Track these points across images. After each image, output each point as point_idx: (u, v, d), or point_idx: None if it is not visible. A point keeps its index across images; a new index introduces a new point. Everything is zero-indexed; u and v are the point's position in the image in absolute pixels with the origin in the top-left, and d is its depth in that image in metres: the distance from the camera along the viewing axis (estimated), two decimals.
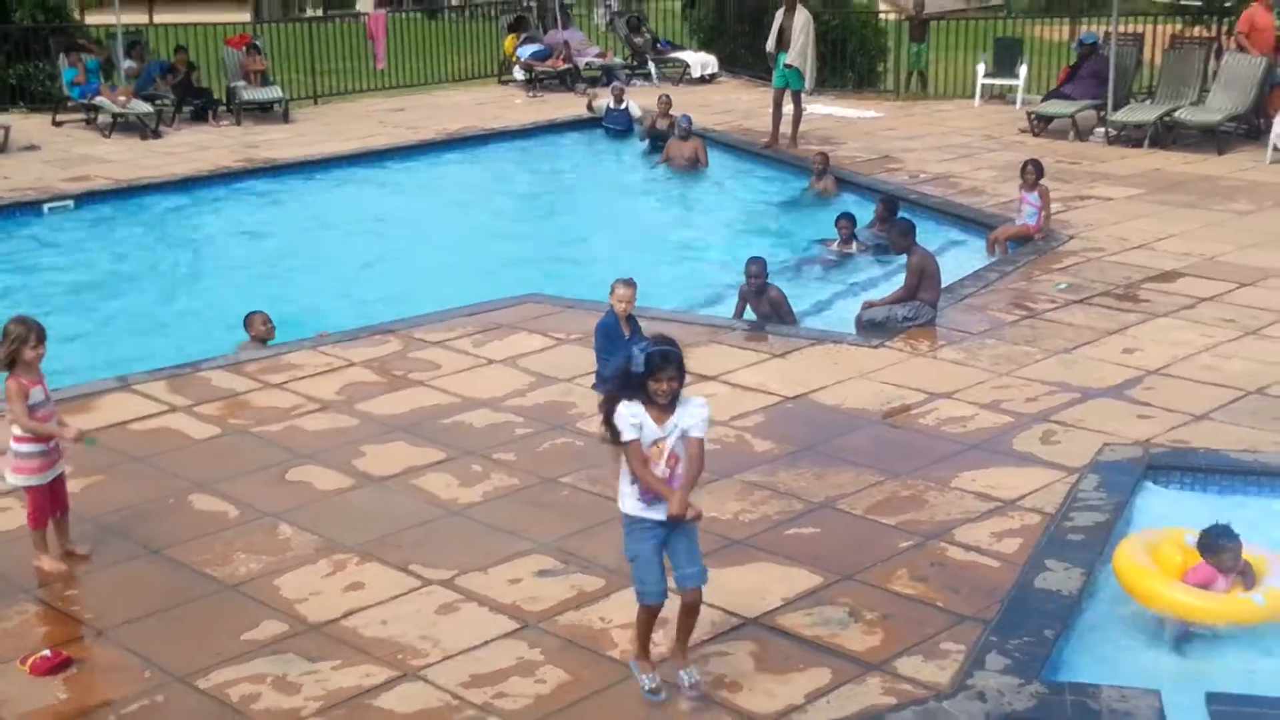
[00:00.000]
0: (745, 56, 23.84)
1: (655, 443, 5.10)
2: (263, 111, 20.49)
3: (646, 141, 18.67)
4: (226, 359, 9.51)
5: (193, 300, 12.54)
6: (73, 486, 6.85)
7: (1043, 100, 18.69)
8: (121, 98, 18.81)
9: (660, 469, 5.12)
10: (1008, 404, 8.39)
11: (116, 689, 5.48)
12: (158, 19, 24.63)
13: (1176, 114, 16.92)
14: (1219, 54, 18.14)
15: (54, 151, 17.68)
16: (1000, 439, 7.86)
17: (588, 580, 6.28)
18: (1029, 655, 5.49)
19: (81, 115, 19.42)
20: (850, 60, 23.64)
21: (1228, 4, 22.45)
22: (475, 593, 6.19)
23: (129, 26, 20.54)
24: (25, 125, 18.78)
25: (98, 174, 16.41)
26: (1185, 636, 5.73)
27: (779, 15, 17.14)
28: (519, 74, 23.35)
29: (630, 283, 8.44)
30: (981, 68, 20.86)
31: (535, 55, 23.23)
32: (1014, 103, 20.09)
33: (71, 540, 6.62)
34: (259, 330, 9.97)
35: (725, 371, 9.04)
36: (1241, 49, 17.23)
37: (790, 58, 16.85)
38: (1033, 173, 12.46)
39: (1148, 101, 17.96)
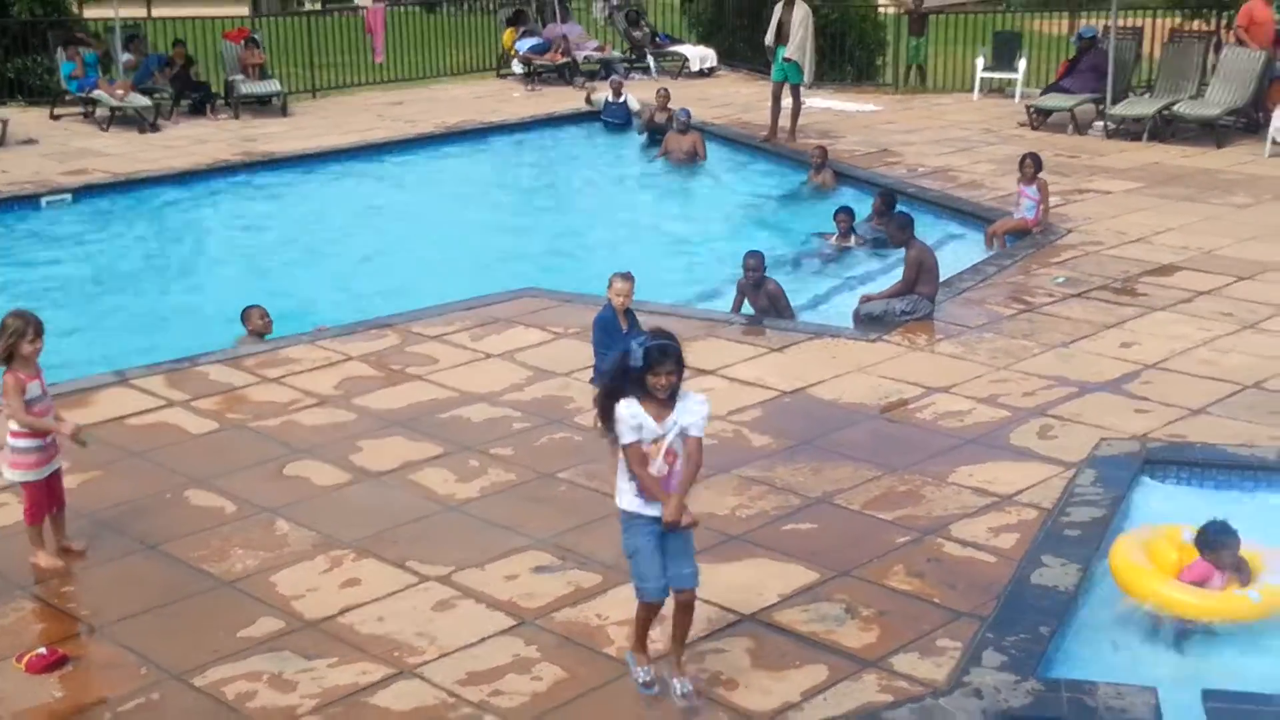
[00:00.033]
0: (744, 50, 23.84)
1: (654, 440, 5.08)
2: (261, 105, 20.48)
3: (645, 135, 18.66)
4: (224, 353, 9.50)
5: (190, 294, 12.52)
6: (70, 482, 6.84)
7: (1041, 94, 18.69)
8: (119, 91, 18.80)
9: (658, 464, 5.10)
10: (1005, 398, 8.39)
11: (112, 686, 5.47)
12: (156, 12, 24.54)
13: (1175, 108, 16.93)
14: (1218, 48, 18.14)
15: (52, 145, 17.67)
16: (997, 434, 7.85)
17: (585, 576, 6.27)
18: (1025, 652, 5.48)
19: (79, 109, 19.42)
20: (849, 54, 23.62)
21: None
22: (472, 589, 6.18)
23: (127, 20, 20.51)
24: (23, 119, 18.76)
25: (96, 168, 16.40)
26: (1182, 634, 5.72)
27: (778, 9, 17.13)
28: (517, 68, 23.34)
29: (628, 276, 8.43)
30: (980, 61, 20.85)
31: (534, 49, 23.23)
32: (1013, 96, 20.09)
33: (68, 536, 6.60)
34: (256, 324, 9.96)
35: (723, 366, 9.03)
36: (1240, 42, 17.22)
37: (789, 51, 16.84)
38: (1031, 166, 12.45)
39: (1147, 95, 17.96)
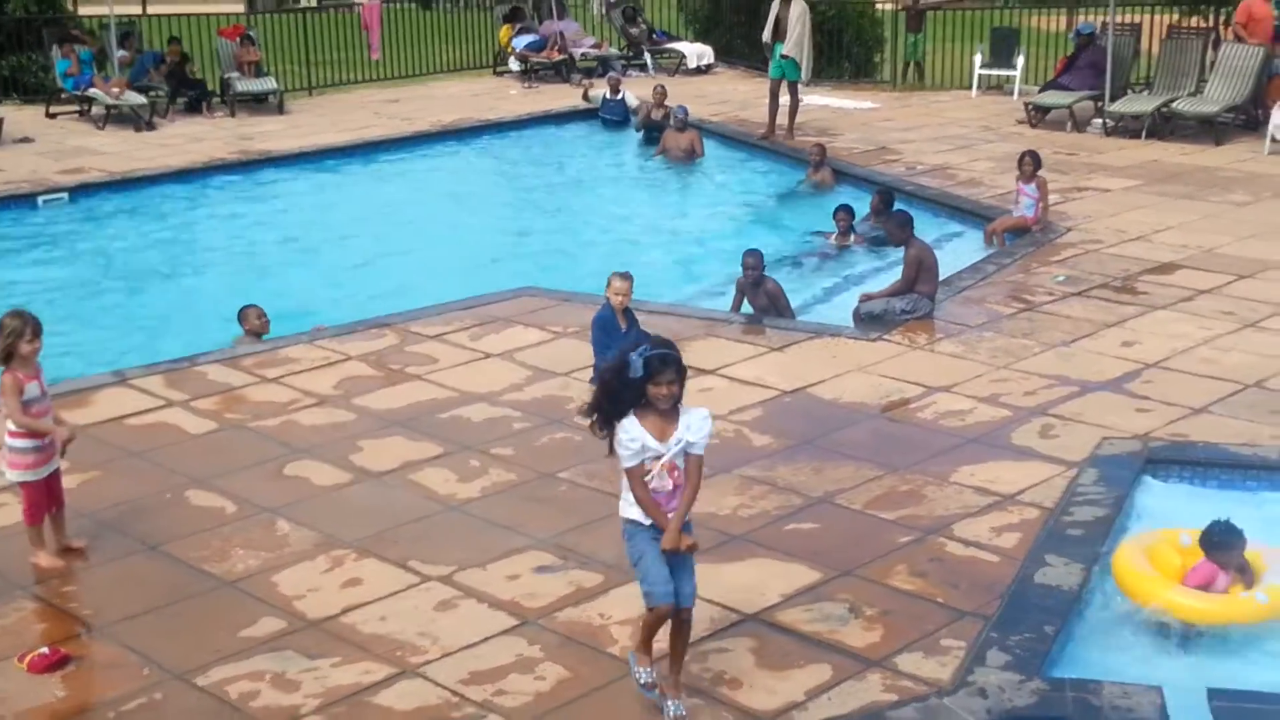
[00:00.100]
0: (741, 47, 23.83)
1: (657, 458, 4.96)
2: (257, 103, 20.45)
3: (641, 133, 18.64)
4: (223, 353, 9.48)
5: (187, 293, 12.49)
6: (69, 482, 6.82)
7: (1040, 91, 18.69)
8: (115, 89, 18.76)
9: (662, 479, 4.99)
10: (1006, 397, 8.37)
11: (115, 686, 5.46)
12: (151, 10, 24.54)
13: (1174, 105, 16.91)
14: (1217, 44, 18.14)
15: (48, 143, 17.64)
16: (999, 433, 7.84)
17: (586, 576, 6.25)
18: (1030, 651, 5.47)
19: (75, 107, 19.37)
20: (847, 51, 23.61)
21: None
22: (474, 589, 6.17)
23: (122, 17, 20.49)
24: (19, 117, 18.73)
25: (92, 166, 16.37)
26: (1187, 633, 5.71)
27: (775, 5, 17.11)
28: (514, 65, 23.33)
29: (626, 275, 8.44)
30: (979, 58, 20.84)
31: (530, 46, 23.21)
32: (1011, 93, 20.08)
33: (68, 535, 6.59)
34: (253, 324, 9.93)
35: (722, 365, 9.02)
36: (1239, 39, 17.22)
37: (787, 48, 16.83)
38: (1030, 164, 12.43)
39: (1145, 92, 17.96)
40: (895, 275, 10.38)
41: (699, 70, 23.58)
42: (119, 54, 19.57)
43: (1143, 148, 16.36)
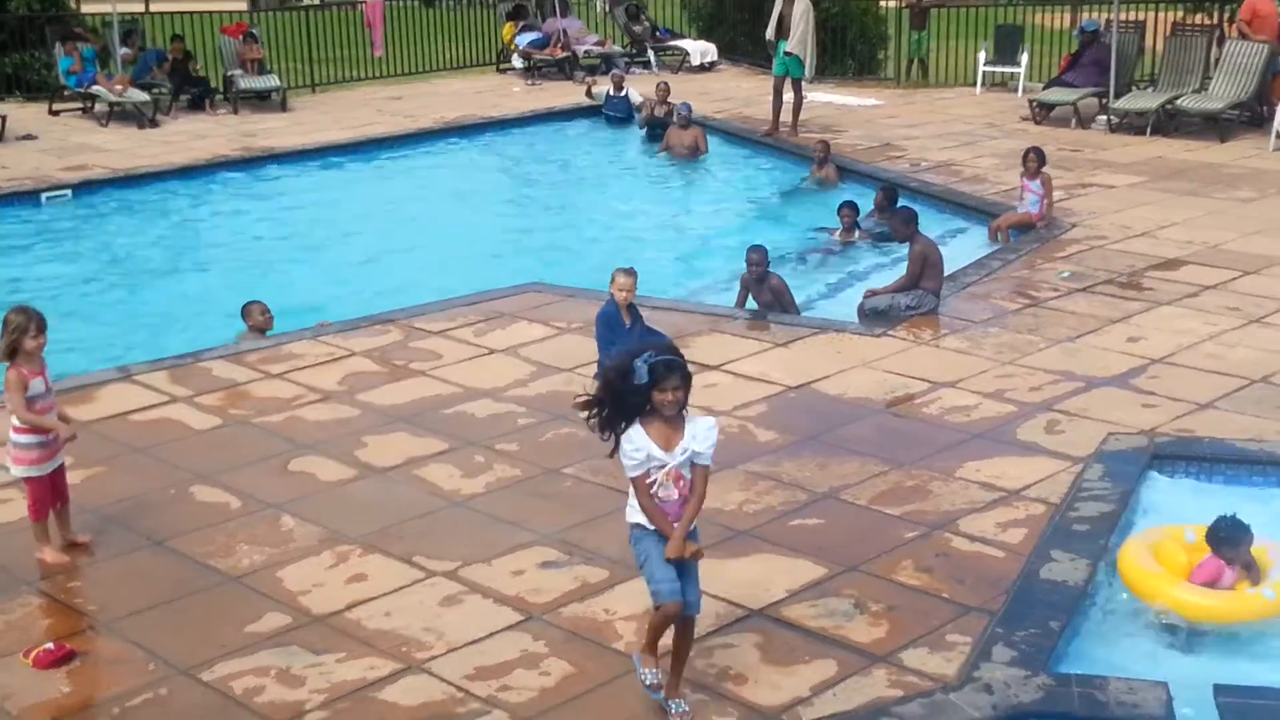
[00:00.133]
0: (745, 44, 23.80)
1: (662, 467, 4.92)
2: (260, 100, 20.44)
3: (645, 130, 18.62)
4: (227, 349, 9.48)
5: (191, 289, 12.48)
6: (73, 478, 6.83)
7: (1044, 88, 18.67)
8: (118, 86, 18.76)
9: (667, 488, 4.96)
10: (1011, 393, 8.36)
11: (120, 682, 5.45)
12: (154, 7, 24.59)
13: (1179, 101, 16.89)
14: (1221, 41, 18.12)
15: (51, 141, 17.63)
16: (1004, 428, 7.83)
17: (591, 572, 6.25)
18: (1035, 647, 5.46)
19: (78, 104, 19.37)
20: (850, 48, 23.59)
21: None
22: (479, 584, 6.16)
23: (125, 15, 20.47)
24: (22, 114, 18.73)
25: (95, 163, 16.36)
26: (1193, 628, 5.70)
27: (779, 2, 17.07)
28: (517, 62, 23.30)
29: (631, 271, 8.43)
30: (983, 55, 20.82)
31: (533, 43, 23.19)
32: (1015, 90, 20.05)
33: (72, 530, 6.59)
34: (257, 320, 9.93)
35: (727, 361, 9.01)
36: (1244, 36, 17.19)
37: (790, 45, 16.80)
38: (1035, 160, 12.42)
39: (1150, 89, 17.94)
40: (900, 271, 10.37)
41: (702, 67, 23.56)
42: (122, 51, 19.57)
43: (1147, 144, 16.34)
